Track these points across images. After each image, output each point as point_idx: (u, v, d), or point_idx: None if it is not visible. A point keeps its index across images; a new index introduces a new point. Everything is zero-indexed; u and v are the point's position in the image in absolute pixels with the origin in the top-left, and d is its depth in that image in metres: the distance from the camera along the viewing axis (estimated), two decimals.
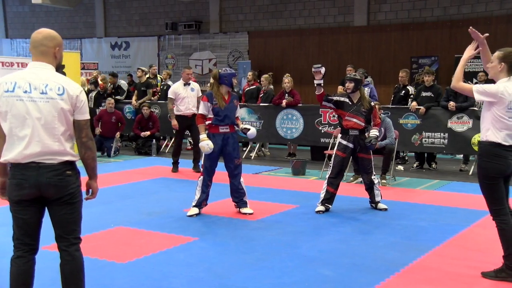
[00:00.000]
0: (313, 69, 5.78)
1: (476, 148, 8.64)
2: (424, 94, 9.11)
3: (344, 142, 6.06)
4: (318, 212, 5.91)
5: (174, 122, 8.73)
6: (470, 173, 8.73)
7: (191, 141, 11.61)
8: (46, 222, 3.03)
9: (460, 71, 3.95)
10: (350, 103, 6.05)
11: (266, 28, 15.78)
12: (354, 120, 5.99)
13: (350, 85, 6.03)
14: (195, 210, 5.74)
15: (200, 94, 8.31)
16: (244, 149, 10.74)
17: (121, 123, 10.70)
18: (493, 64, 3.89)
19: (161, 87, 12.14)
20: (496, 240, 5.05)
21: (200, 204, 5.77)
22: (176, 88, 8.54)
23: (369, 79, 10.06)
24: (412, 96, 9.42)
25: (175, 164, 8.70)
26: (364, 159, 6.12)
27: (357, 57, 13.90)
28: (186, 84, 8.48)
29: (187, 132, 9.44)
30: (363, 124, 6.03)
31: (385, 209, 6.07)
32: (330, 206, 6.00)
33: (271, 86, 10.90)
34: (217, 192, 6.28)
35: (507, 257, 3.89)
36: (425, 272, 4.08)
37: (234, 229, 5.25)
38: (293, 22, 15.35)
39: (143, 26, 17.93)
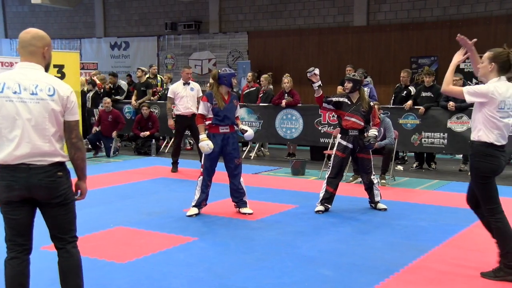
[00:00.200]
0: (308, 75, 5.79)
1: None
2: (424, 94, 9.11)
3: (344, 143, 6.07)
4: (317, 212, 5.91)
5: (170, 122, 8.72)
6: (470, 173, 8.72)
7: (190, 141, 11.64)
8: (43, 222, 3.02)
9: (450, 75, 4.02)
10: (349, 102, 6.05)
11: (265, 28, 15.79)
12: (353, 119, 5.99)
13: (348, 85, 6.03)
14: (195, 210, 5.74)
15: (201, 94, 8.31)
16: (243, 149, 10.74)
17: (119, 123, 10.67)
18: (483, 64, 3.94)
19: (163, 91, 12.16)
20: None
21: (200, 204, 5.77)
22: (176, 87, 8.54)
23: (368, 79, 10.06)
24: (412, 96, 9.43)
25: (175, 164, 8.70)
26: (364, 159, 6.12)
27: (357, 57, 13.90)
28: (186, 83, 8.48)
29: (187, 132, 9.42)
30: (362, 124, 6.04)
31: (385, 209, 6.07)
32: (329, 206, 6.00)
33: (271, 86, 10.90)
34: (217, 192, 6.28)
35: (504, 255, 3.90)
36: (425, 272, 4.09)
37: (234, 229, 5.25)
38: (292, 22, 15.35)
39: (143, 26, 17.93)
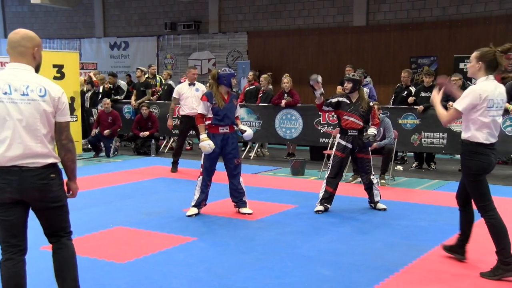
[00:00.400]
0: (311, 82, 5.79)
1: None
2: (423, 94, 9.11)
3: (343, 142, 6.07)
4: (317, 212, 5.91)
5: (169, 122, 8.71)
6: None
7: (190, 141, 11.65)
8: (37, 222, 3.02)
9: (440, 110, 4.12)
10: (348, 102, 6.06)
11: (265, 28, 15.79)
12: (352, 119, 6.00)
13: (348, 86, 6.04)
14: (195, 210, 5.74)
15: None
16: (243, 149, 10.74)
17: (116, 124, 10.64)
18: (471, 64, 4.01)
19: (162, 87, 12.16)
20: None
21: (200, 204, 5.77)
22: (181, 88, 8.55)
23: (368, 79, 10.06)
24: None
25: (175, 164, 8.69)
26: (363, 159, 6.12)
27: (356, 57, 13.91)
28: (191, 84, 8.47)
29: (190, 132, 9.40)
30: (361, 124, 6.04)
31: (384, 209, 6.07)
32: (329, 206, 6.00)
33: (270, 86, 10.91)
34: (217, 192, 6.28)
35: (499, 252, 3.93)
36: (425, 272, 4.09)
37: (234, 229, 5.25)
38: (292, 22, 15.35)
39: (142, 26, 17.93)
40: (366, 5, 14.28)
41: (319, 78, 5.78)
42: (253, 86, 10.94)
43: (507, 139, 8.42)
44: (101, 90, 12.10)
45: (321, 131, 9.81)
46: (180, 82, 11.63)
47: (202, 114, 5.75)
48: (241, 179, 5.86)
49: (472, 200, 4.17)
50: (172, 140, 11.78)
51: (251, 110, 10.59)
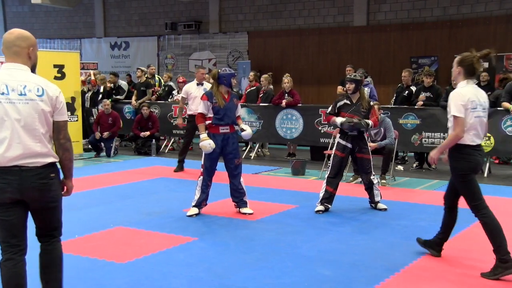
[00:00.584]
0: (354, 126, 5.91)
1: None
2: (423, 94, 9.11)
3: (343, 142, 6.07)
4: (317, 212, 5.91)
5: (179, 121, 8.70)
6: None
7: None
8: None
9: (446, 143, 4.09)
10: (349, 103, 6.07)
11: (265, 28, 15.79)
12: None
13: (350, 86, 6.04)
14: (195, 210, 5.74)
15: None
16: (244, 149, 10.74)
17: (116, 125, 10.64)
18: (453, 68, 4.14)
19: (163, 88, 12.17)
20: None
21: (200, 204, 5.77)
22: (189, 87, 8.54)
23: (368, 79, 10.06)
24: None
25: (180, 163, 8.67)
26: (363, 159, 6.12)
27: (357, 57, 13.91)
28: (199, 84, 8.47)
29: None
30: None
31: (385, 209, 6.07)
32: (329, 205, 6.00)
33: (271, 86, 10.91)
34: (217, 192, 6.28)
35: (496, 250, 3.95)
36: (425, 272, 4.09)
37: (234, 229, 5.25)
38: (292, 22, 15.35)
39: (143, 26, 17.94)
40: (367, 5, 14.28)
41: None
42: (254, 87, 10.94)
43: (508, 139, 8.41)
44: (101, 90, 12.10)
45: (322, 131, 9.81)
46: (178, 82, 11.71)
47: (203, 114, 5.75)
48: (241, 179, 5.86)
49: (457, 203, 4.25)
50: (172, 140, 11.79)
51: (252, 110, 10.59)
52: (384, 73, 13.62)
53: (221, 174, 6.26)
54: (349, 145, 6.06)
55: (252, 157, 10.51)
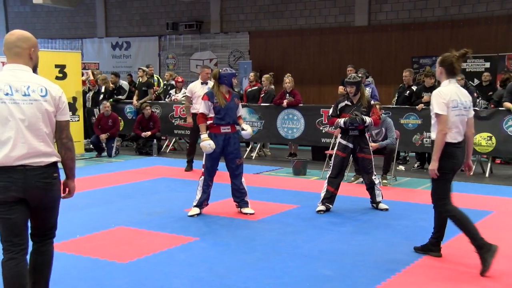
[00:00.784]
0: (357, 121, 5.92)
1: (477, 148, 8.64)
2: (424, 94, 9.10)
3: (344, 142, 6.07)
4: (319, 212, 5.91)
5: (189, 120, 8.71)
6: (471, 173, 8.71)
7: (188, 141, 11.70)
8: None
9: (436, 148, 4.14)
10: (350, 104, 6.08)
11: (267, 28, 15.78)
12: None
13: (352, 89, 6.04)
14: (196, 210, 5.74)
15: None
16: (246, 149, 10.74)
17: (115, 127, 10.62)
18: (436, 68, 4.29)
19: (164, 87, 12.18)
20: (497, 241, 5.05)
21: (201, 204, 5.77)
22: (193, 86, 8.54)
23: (370, 79, 10.06)
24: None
25: (189, 163, 8.69)
26: (365, 159, 6.12)
27: (358, 57, 13.90)
28: (204, 83, 8.47)
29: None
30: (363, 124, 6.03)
31: (386, 209, 6.07)
32: (330, 206, 6.00)
33: (272, 86, 10.90)
34: (218, 192, 6.28)
35: (472, 239, 4.09)
36: (426, 272, 4.09)
37: (235, 229, 5.25)
38: (294, 22, 15.34)
39: (144, 26, 17.94)
40: (368, 5, 14.27)
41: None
42: (256, 87, 10.92)
43: (509, 139, 8.40)
44: (103, 90, 12.11)
45: (323, 131, 9.81)
46: (176, 82, 11.73)
47: (204, 114, 5.75)
48: (243, 179, 5.86)
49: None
50: (174, 140, 11.79)
51: (253, 110, 10.59)
52: (386, 73, 13.61)
53: (222, 174, 6.26)
54: (350, 145, 6.06)
55: (253, 157, 10.51)
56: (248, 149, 10.85)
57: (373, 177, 6.13)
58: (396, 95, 9.94)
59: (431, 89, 9.09)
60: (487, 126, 8.57)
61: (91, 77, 12.02)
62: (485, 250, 4.03)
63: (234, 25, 16.37)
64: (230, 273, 4.02)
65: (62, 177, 3.08)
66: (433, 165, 4.16)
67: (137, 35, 18.04)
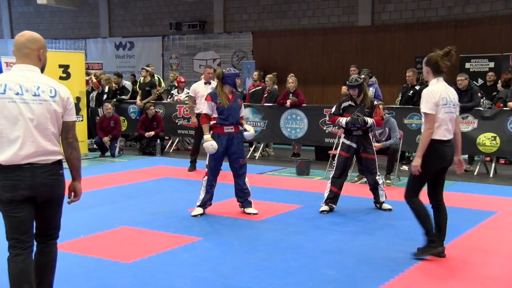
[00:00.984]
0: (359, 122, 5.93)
1: (481, 148, 8.61)
2: None
3: (347, 142, 6.06)
4: (322, 212, 5.91)
5: (193, 120, 8.72)
6: (475, 173, 8.70)
7: (188, 141, 11.73)
8: None
9: (422, 144, 4.24)
10: (353, 104, 6.07)
11: (270, 28, 15.78)
12: None
13: (354, 92, 6.03)
14: (200, 210, 5.75)
15: None
16: (249, 149, 10.74)
17: (117, 128, 10.62)
18: (423, 68, 4.37)
19: (165, 87, 12.19)
20: (502, 241, 5.04)
21: (205, 204, 5.78)
22: (197, 86, 8.56)
23: (373, 79, 10.04)
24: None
25: (193, 163, 8.70)
26: (368, 159, 6.11)
27: (361, 57, 13.88)
28: (207, 83, 8.48)
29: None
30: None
31: (390, 210, 6.06)
32: (334, 206, 5.99)
33: (275, 86, 10.90)
34: (222, 192, 6.28)
35: (426, 233, 4.31)
36: (430, 273, 4.08)
37: (239, 229, 5.25)
38: (297, 22, 15.34)
39: (147, 26, 17.97)
40: (371, 5, 14.25)
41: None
42: (260, 87, 10.92)
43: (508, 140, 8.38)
44: (106, 90, 12.13)
45: (326, 131, 9.80)
46: (178, 82, 11.73)
47: (207, 114, 5.76)
48: (246, 179, 5.86)
49: (442, 197, 4.46)
50: (177, 140, 11.80)
51: (256, 110, 10.59)
52: (389, 73, 13.58)
53: (226, 174, 6.26)
54: (354, 145, 6.05)
55: (256, 157, 10.51)
56: (252, 149, 10.84)
57: (377, 177, 6.12)
58: (400, 95, 9.92)
59: None
60: (491, 126, 8.54)
61: (94, 80, 12.05)
62: (432, 245, 4.27)
63: (237, 25, 16.37)
64: (233, 273, 4.02)
65: (67, 176, 3.09)
66: (417, 161, 4.23)
67: (140, 35, 18.07)
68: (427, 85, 10.25)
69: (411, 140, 9.06)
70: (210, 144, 5.58)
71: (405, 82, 9.81)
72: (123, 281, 3.83)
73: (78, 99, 10.58)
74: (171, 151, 11.45)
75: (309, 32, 15.10)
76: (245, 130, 5.89)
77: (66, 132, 3.01)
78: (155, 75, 12.78)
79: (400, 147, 8.01)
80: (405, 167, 9.19)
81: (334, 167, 6.09)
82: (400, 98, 9.90)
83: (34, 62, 2.97)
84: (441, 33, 13.29)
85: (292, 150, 10.70)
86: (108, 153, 10.57)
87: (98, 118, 11.45)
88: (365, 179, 6.81)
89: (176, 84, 12.02)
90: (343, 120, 6.00)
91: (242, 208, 5.90)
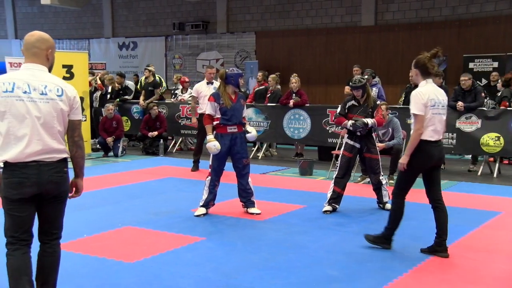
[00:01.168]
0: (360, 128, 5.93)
1: (485, 148, 8.59)
2: None
3: (351, 142, 6.06)
4: (325, 212, 5.90)
5: (194, 120, 8.72)
6: (479, 173, 8.68)
7: (191, 141, 11.73)
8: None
9: (410, 144, 4.40)
10: (357, 104, 6.07)
11: (273, 28, 15.78)
12: None
13: (358, 93, 6.03)
14: (203, 210, 5.75)
15: None
16: (252, 149, 10.74)
17: (119, 128, 10.63)
18: (412, 71, 4.48)
19: (166, 87, 12.23)
20: (505, 242, 5.03)
21: (208, 204, 5.78)
22: (199, 86, 8.56)
23: (377, 79, 10.03)
24: None
25: (195, 163, 8.71)
26: (372, 159, 6.10)
27: (364, 57, 13.86)
28: (209, 83, 8.48)
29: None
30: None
31: None
32: (337, 206, 5.99)
33: (278, 86, 10.90)
34: (225, 192, 6.28)
35: (388, 228, 4.50)
36: (434, 273, 4.07)
37: (242, 229, 5.25)
38: (300, 22, 15.33)
39: (151, 26, 17.99)
40: (375, 5, 14.23)
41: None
42: (263, 87, 10.93)
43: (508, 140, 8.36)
44: (109, 90, 12.15)
45: (329, 131, 9.79)
46: (181, 82, 11.73)
47: (210, 115, 5.76)
48: (249, 179, 5.86)
49: (441, 195, 4.49)
50: (180, 140, 11.81)
51: (259, 110, 10.59)
52: (392, 73, 13.55)
53: (229, 174, 6.26)
54: (357, 145, 6.04)
55: (259, 157, 10.51)
56: (255, 149, 10.85)
57: (380, 177, 6.11)
58: (403, 95, 9.89)
59: None
60: (495, 126, 8.52)
61: (99, 82, 12.08)
62: (384, 240, 4.52)
63: (240, 25, 16.38)
64: (236, 273, 4.02)
65: (70, 175, 3.12)
66: (404, 159, 4.32)
67: (143, 35, 18.09)
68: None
69: None
70: (213, 144, 5.58)
71: (408, 82, 9.78)
72: (126, 281, 3.84)
73: (81, 99, 10.56)
74: (174, 151, 11.46)
75: (312, 32, 15.09)
76: (247, 131, 5.88)
77: (72, 130, 3.05)
78: (156, 75, 12.79)
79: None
80: None
81: (337, 167, 6.08)
82: (403, 98, 9.87)
83: (42, 61, 3.02)
84: (445, 33, 13.26)
85: (295, 150, 10.70)
86: (111, 153, 10.59)
87: (101, 117, 11.48)
88: (368, 179, 6.80)
89: (180, 84, 12.02)
90: (348, 124, 5.98)
91: (245, 208, 5.90)
